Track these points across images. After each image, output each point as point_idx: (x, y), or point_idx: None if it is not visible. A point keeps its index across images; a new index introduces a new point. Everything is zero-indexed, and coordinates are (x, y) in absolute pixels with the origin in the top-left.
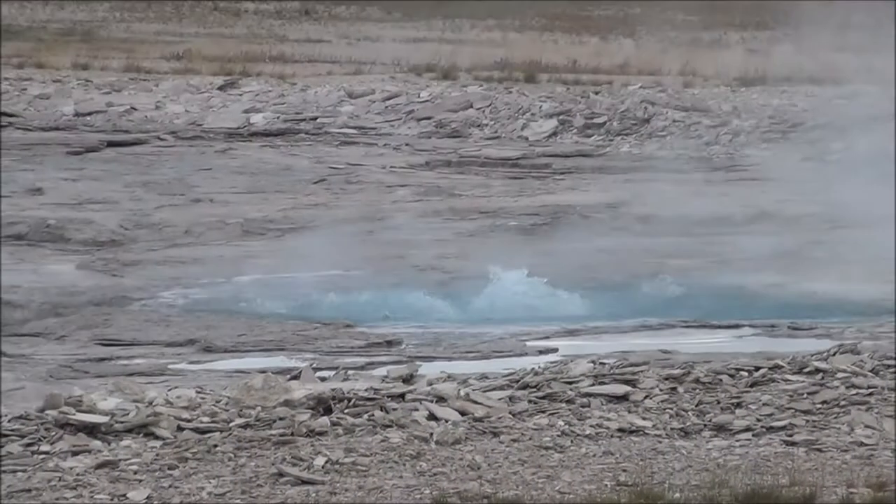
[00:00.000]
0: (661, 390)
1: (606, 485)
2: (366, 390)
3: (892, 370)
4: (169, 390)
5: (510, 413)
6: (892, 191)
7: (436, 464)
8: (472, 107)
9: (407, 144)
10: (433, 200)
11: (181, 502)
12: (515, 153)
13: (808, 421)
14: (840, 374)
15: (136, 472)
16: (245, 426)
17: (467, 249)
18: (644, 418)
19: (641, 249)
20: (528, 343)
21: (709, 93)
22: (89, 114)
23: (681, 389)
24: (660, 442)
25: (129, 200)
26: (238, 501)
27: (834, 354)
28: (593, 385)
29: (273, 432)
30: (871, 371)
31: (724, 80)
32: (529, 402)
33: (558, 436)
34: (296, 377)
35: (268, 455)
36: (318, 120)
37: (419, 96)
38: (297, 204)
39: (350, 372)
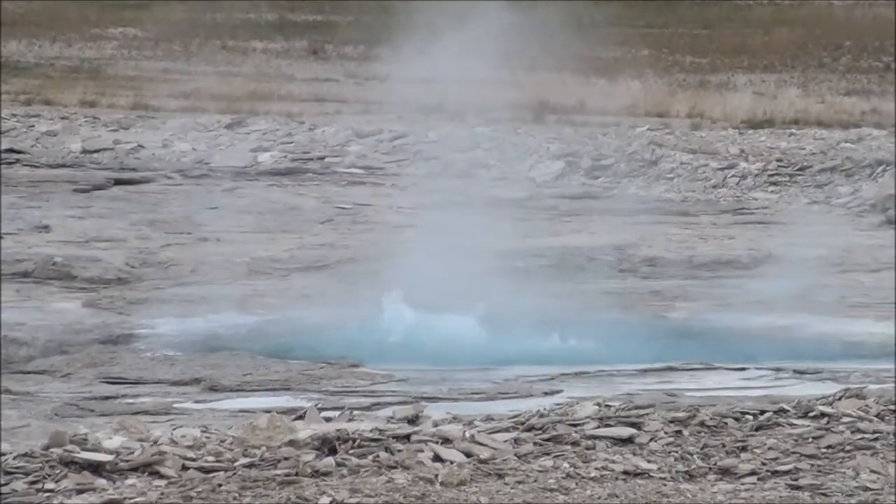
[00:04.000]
0: (666, 433)
1: None
2: (371, 431)
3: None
4: (174, 429)
5: (515, 455)
6: None
7: None
8: (479, 147)
9: (414, 184)
10: (440, 241)
11: None
12: (522, 194)
13: (812, 465)
14: (845, 419)
15: None
16: (250, 466)
17: (472, 290)
18: (649, 461)
19: (648, 291)
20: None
21: (716, 135)
22: (96, 151)
23: (686, 432)
24: (665, 485)
25: (135, 238)
26: None
27: (839, 399)
28: (598, 427)
29: (278, 472)
30: (876, 416)
31: (732, 122)
32: (534, 443)
33: (563, 478)
34: (301, 417)
35: (272, 495)
36: (326, 159)
37: (427, 136)
38: (304, 244)
39: (355, 412)
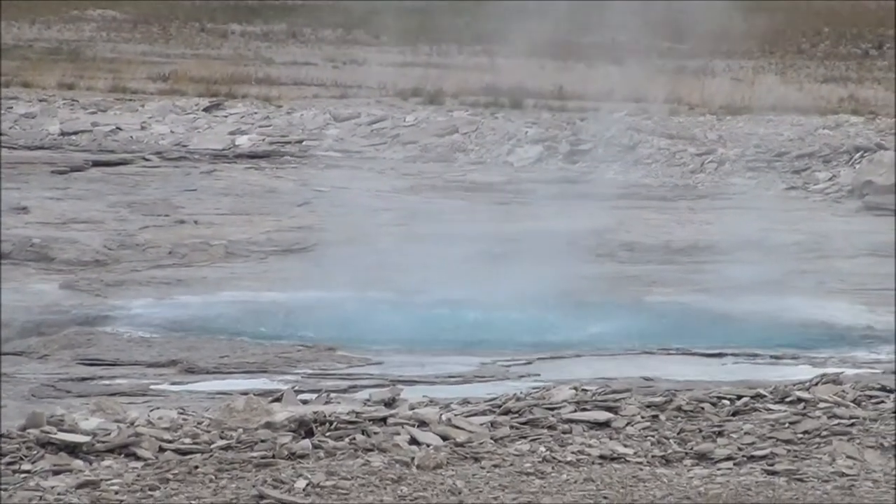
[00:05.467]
0: (642, 418)
1: None
2: (348, 414)
3: (874, 401)
4: (151, 411)
5: (492, 438)
6: (875, 221)
7: (417, 488)
8: (457, 132)
9: (392, 168)
10: (418, 225)
11: None
12: (500, 178)
13: (789, 451)
14: (822, 405)
15: (117, 493)
16: (226, 448)
17: (451, 274)
18: (625, 445)
19: (625, 276)
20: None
21: (694, 121)
22: (75, 133)
23: (663, 417)
24: (641, 469)
25: (113, 220)
26: None
27: (816, 384)
28: (575, 411)
29: (254, 454)
30: (853, 401)
31: (710, 108)
32: (511, 427)
33: (539, 462)
34: (278, 399)
35: (249, 477)
36: (304, 143)
37: (405, 120)
38: (282, 227)
39: (332, 395)
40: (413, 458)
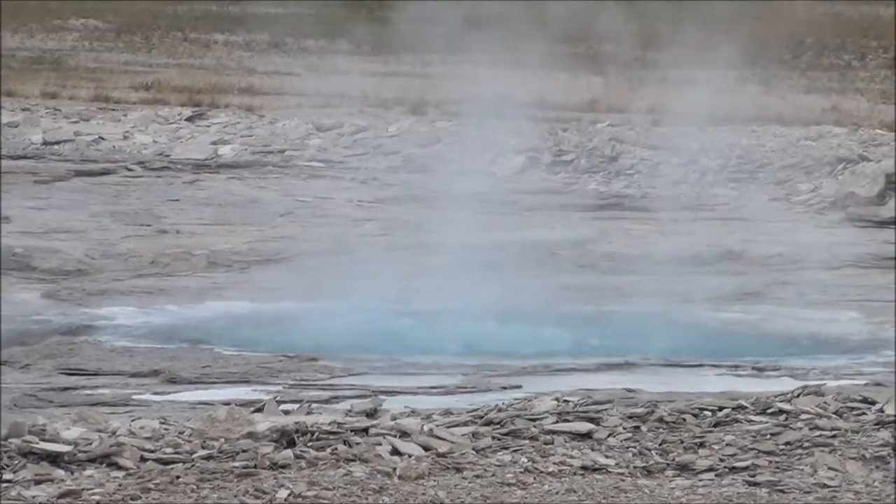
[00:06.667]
0: (624, 429)
1: None
2: (329, 424)
3: (855, 412)
4: (132, 421)
5: (473, 449)
6: (857, 232)
7: (398, 498)
8: (440, 142)
9: (374, 179)
10: (400, 235)
11: None
12: (483, 189)
13: (770, 462)
14: (804, 416)
15: (98, 502)
16: (208, 458)
17: (433, 284)
18: (607, 456)
19: (608, 287)
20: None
21: (677, 131)
22: (57, 143)
23: (644, 428)
24: (622, 480)
25: (95, 230)
26: None
27: (798, 396)
28: (557, 422)
29: (236, 464)
30: (834, 413)
31: (692, 118)
32: (493, 438)
33: (521, 472)
34: (259, 410)
35: (230, 487)
36: (286, 152)
37: (387, 131)
38: (264, 237)
39: (314, 405)
40: (395, 469)
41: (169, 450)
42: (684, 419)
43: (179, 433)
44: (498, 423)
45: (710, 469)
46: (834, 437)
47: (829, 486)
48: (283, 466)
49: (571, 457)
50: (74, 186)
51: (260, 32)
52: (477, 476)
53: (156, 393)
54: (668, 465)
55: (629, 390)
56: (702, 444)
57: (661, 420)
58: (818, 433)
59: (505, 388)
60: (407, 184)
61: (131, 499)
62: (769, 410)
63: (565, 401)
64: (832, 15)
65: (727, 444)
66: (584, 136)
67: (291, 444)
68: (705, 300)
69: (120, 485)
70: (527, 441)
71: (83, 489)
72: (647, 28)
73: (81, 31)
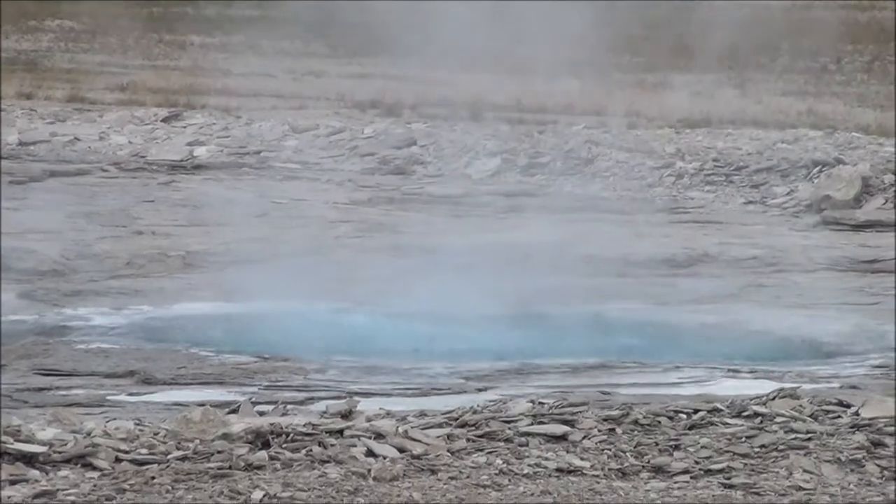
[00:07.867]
0: (599, 431)
1: None
2: (304, 425)
3: (831, 415)
4: (107, 421)
5: (448, 451)
6: (833, 235)
7: (373, 500)
8: (415, 144)
9: (350, 180)
10: (375, 237)
11: None
12: (459, 191)
13: (746, 464)
14: (779, 419)
15: (73, 503)
16: (183, 459)
17: (408, 285)
18: (582, 458)
19: (583, 289)
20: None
21: (653, 134)
22: (33, 143)
23: (619, 430)
24: (598, 482)
25: (71, 231)
26: None
27: (773, 398)
28: (532, 424)
29: (211, 465)
30: (810, 416)
31: (669, 121)
32: (468, 440)
33: (496, 474)
34: (234, 411)
35: (205, 488)
36: (262, 154)
37: (363, 132)
38: (240, 237)
39: (289, 406)
40: (370, 470)
41: (144, 451)
42: (659, 422)
43: (154, 434)
44: (473, 424)
45: (686, 471)
46: (809, 439)
47: (804, 489)
48: (259, 467)
49: (546, 459)
50: (50, 187)
51: (236, 34)
52: (452, 478)
53: (131, 394)
54: (643, 467)
55: (604, 392)
56: (677, 447)
57: (636, 422)
58: (793, 436)
59: (480, 389)
60: (382, 185)
61: (106, 499)
62: (744, 413)
63: (540, 403)
64: (808, 19)
65: (702, 447)
66: (559, 138)
67: (266, 445)
68: (681, 302)
69: (95, 485)
70: (502, 443)
71: (58, 490)
72: (623, 31)
73: (57, 32)
